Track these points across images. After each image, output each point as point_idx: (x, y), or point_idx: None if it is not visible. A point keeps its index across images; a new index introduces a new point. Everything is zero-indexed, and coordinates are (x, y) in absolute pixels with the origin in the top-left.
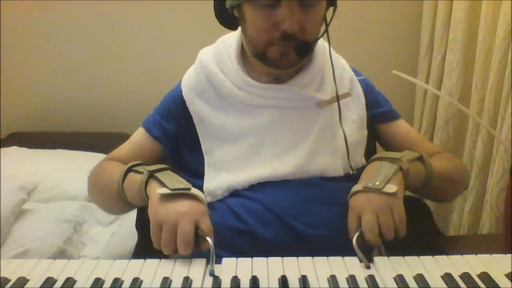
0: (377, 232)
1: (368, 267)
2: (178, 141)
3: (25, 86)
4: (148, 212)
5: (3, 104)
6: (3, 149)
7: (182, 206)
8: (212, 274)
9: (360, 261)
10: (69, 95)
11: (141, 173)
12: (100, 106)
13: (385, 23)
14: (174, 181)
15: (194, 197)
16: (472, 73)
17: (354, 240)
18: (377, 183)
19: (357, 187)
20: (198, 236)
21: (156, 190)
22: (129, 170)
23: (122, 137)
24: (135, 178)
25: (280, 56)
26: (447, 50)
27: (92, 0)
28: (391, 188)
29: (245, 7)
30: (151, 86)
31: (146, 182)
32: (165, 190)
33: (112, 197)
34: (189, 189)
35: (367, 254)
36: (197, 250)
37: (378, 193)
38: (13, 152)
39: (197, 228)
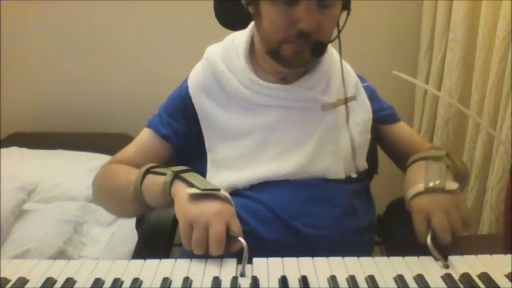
0: (450, 232)
1: (447, 267)
2: (186, 140)
3: (25, 86)
4: (175, 212)
5: (3, 105)
6: (3, 150)
7: (213, 206)
8: (242, 275)
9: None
10: (69, 96)
11: (162, 174)
12: (100, 107)
13: (385, 23)
14: (202, 182)
15: (222, 198)
16: (472, 73)
17: (428, 241)
18: (437, 182)
19: (417, 189)
20: (228, 237)
21: (186, 190)
22: (147, 171)
23: (122, 138)
24: (156, 180)
25: (293, 55)
26: (447, 50)
27: (92, 0)
28: (453, 185)
29: (262, 3)
30: (151, 87)
31: (171, 183)
32: (195, 190)
33: (126, 199)
34: (219, 190)
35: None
36: (227, 251)
37: (442, 192)
38: (13, 153)
39: (227, 229)
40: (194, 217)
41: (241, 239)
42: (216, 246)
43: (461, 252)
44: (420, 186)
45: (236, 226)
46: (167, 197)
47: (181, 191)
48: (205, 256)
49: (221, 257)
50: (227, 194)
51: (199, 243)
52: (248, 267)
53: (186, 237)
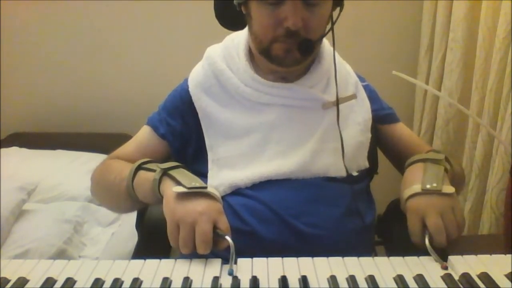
0: (444, 234)
1: (445, 268)
2: (185, 139)
3: (25, 86)
4: (163, 211)
5: (3, 105)
6: (3, 150)
7: (200, 205)
8: (231, 273)
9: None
10: (69, 96)
11: (153, 170)
12: (100, 107)
13: (385, 23)
14: (190, 179)
15: (210, 196)
16: (472, 73)
17: (427, 242)
18: (435, 184)
19: (413, 190)
20: (215, 235)
21: (172, 189)
22: (139, 167)
23: (122, 138)
24: (146, 176)
25: (284, 53)
26: (447, 50)
27: (92, 0)
28: (450, 189)
29: (251, 4)
30: (151, 87)
31: (160, 180)
32: (181, 189)
33: (120, 195)
34: (206, 187)
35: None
36: (215, 249)
37: (438, 194)
38: (13, 153)
39: (214, 227)
40: (180, 217)
41: (227, 237)
42: (202, 245)
43: (461, 252)
44: (417, 187)
45: (223, 224)
46: (156, 195)
47: (168, 189)
48: (192, 255)
49: (207, 256)
50: (215, 191)
51: (186, 243)
52: (249, 266)
53: (173, 236)
